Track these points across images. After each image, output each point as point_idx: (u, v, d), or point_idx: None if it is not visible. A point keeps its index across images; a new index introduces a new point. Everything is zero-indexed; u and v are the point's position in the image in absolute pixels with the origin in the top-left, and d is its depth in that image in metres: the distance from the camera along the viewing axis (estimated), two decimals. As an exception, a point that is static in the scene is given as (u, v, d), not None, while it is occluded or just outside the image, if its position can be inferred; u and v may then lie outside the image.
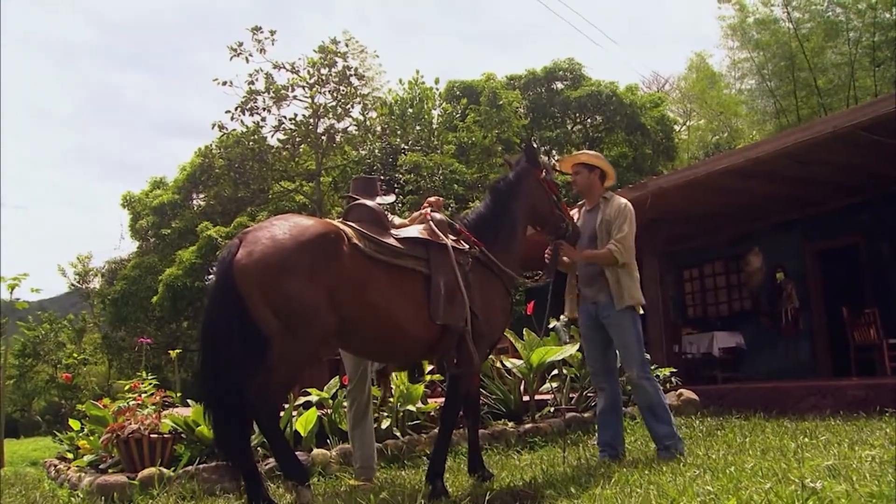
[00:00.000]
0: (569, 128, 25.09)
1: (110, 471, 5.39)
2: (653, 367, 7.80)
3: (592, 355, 5.10)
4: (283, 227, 3.59)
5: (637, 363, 4.82)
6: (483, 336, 4.16)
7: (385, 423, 5.90)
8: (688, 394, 7.73)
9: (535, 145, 5.14)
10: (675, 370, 8.18)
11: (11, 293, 6.44)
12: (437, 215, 4.27)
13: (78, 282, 33.07)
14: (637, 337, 4.84)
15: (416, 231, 4.12)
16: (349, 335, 3.85)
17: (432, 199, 4.66)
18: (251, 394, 3.44)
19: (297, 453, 5.25)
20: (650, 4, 78.80)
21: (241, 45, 17.51)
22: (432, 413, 6.35)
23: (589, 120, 25.29)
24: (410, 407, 6.15)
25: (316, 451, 5.42)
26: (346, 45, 18.86)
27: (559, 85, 25.26)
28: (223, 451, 3.70)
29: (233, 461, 3.59)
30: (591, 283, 4.97)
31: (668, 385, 7.84)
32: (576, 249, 4.89)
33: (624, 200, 5.04)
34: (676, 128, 28.02)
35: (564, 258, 4.96)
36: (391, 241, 3.90)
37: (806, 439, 4.97)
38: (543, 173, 4.69)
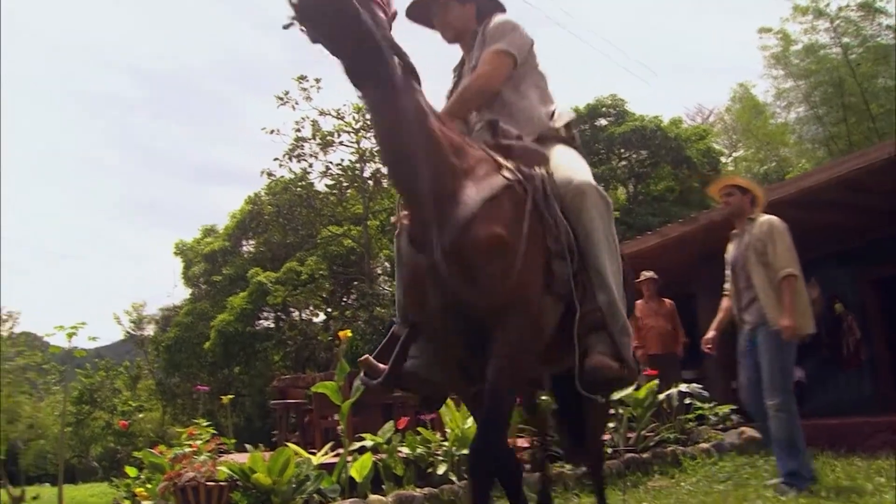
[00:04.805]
0: (614, 164, 24.93)
1: (168, 519, 5.41)
2: (711, 405, 7.67)
3: (743, 381, 5.03)
4: None
5: (773, 392, 4.72)
6: None
7: (441, 469, 5.82)
8: (750, 432, 7.47)
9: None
10: (734, 407, 7.94)
11: (70, 341, 6.64)
12: None
13: (133, 329, 33.79)
14: (777, 363, 4.72)
15: None
16: None
17: None
18: None
19: (353, 500, 5.26)
20: (688, 37, 78.68)
21: (287, 93, 17.94)
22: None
23: (634, 155, 25.09)
24: (466, 451, 6.05)
25: (372, 497, 5.36)
26: (391, 90, 19.08)
27: (603, 121, 25.20)
28: None
29: None
30: (746, 307, 4.95)
31: (727, 423, 7.63)
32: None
33: (768, 217, 5.01)
34: (723, 159, 27.66)
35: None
36: None
37: (881, 479, 4.77)
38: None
